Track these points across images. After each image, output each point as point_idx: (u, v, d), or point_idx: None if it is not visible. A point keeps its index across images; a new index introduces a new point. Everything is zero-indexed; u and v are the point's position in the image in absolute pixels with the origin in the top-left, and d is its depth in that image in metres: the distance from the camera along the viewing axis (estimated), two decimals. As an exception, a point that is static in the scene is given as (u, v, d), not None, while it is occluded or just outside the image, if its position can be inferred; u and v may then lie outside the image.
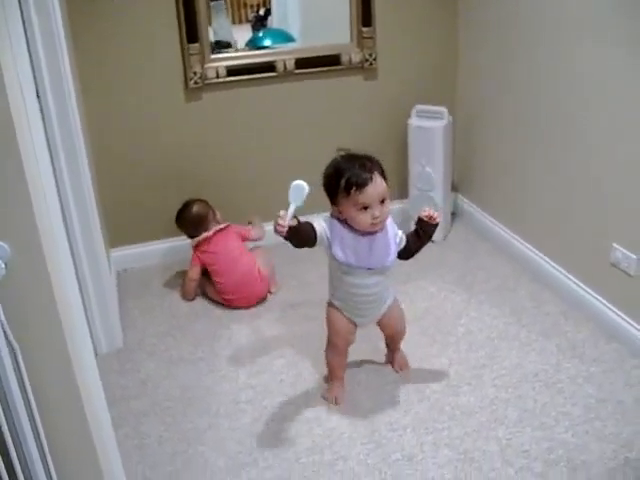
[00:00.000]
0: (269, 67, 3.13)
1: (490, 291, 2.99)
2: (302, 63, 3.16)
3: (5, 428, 1.21)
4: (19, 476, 1.27)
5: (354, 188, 2.00)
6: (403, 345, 2.50)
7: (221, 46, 3.20)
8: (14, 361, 1.24)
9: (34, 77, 2.18)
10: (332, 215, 2.12)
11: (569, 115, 2.69)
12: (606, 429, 2.18)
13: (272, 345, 2.70)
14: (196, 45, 2.97)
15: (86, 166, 2.50)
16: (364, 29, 3.17)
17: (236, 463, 2.13)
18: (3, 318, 1.19)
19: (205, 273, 3.02)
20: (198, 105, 3.13)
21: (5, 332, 1.20)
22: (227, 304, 2.96)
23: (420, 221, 2.18)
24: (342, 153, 2.10)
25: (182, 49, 2.99)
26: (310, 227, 2.07)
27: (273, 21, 3.38)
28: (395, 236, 2.16)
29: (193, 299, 3.05)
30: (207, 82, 3.06)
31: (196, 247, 3.01)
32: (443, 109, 3.19)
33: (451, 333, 2.71)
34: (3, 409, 1.21)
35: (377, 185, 2.02)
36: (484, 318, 2.80)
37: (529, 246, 3.10)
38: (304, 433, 2.22)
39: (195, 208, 3.02)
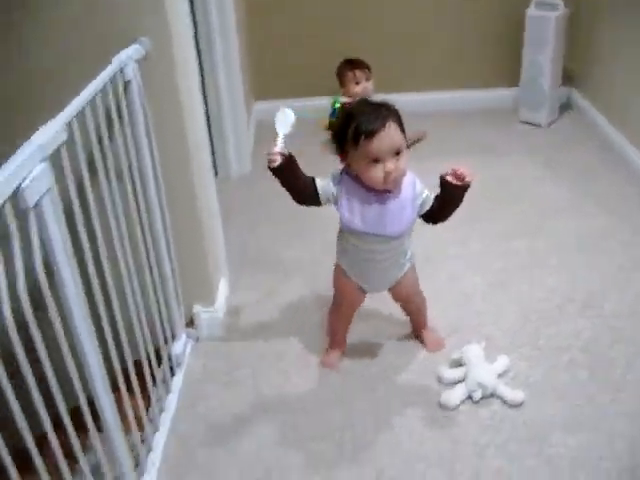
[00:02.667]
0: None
1: (572, 173, 3.30)
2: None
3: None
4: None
5: (363, 136, 1.69)
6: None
7: None
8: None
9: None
10: (342, 170, 1.86)
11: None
12: (629, 285, 2.51)
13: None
14: None
15: (234, 30, 3.07)
16: None
17: (318, 260, 2.69)
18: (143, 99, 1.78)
19: None
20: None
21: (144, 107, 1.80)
22: None
23: (445, 184, 1.79)
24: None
25: None
26: (310, 179, 1.85)
27: None
28: (415, 198, 1.83)
29: None
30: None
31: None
32: (559, 1, 3.44)
33: (521, 199, 3.09)
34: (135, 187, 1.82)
35: (390, 134, 1.71)
36: (557, 192, 3.14)
37: (630, 145, 3.30)
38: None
39: (340, 65, 3.48)
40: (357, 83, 3.38)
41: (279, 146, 1.79)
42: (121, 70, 1.64)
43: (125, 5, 1.74)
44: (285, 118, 1.84)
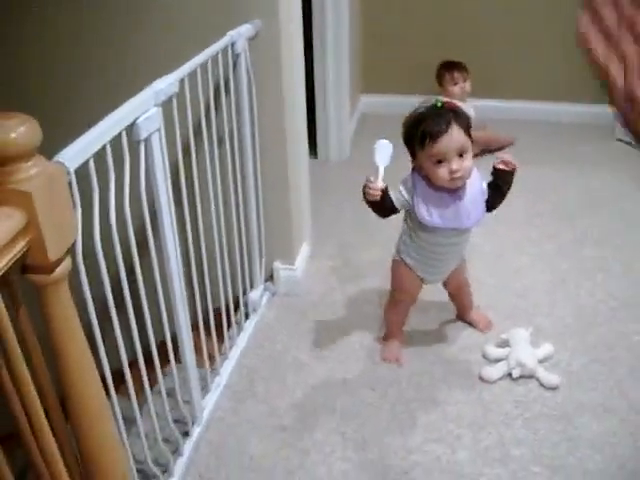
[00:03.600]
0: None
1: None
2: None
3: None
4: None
5: (428, 139, 1.83)
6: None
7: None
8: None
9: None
10: (414, 171, 1.97)
11: None
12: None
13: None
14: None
15: (346, 23, 3.35)
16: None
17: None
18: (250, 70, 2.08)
19: None
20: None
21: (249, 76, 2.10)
22: None
23: (497, 171, 1.97)
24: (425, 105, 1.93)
25: None
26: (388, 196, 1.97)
27: None
28: (483, 192, 1.99)
29: None
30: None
31: None
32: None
33: (601, 210, 3.20)
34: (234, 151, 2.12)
35: (453, 136, 1.83)
36: (625, 203, 3.28)
37: None
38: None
39: (439, 66, 3.69)
40: (455, 84, 3.57)
41: (380, 181, 1.89)
42: (232, 44, 1.94)
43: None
44: (384, 150, 1.92)
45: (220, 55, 1.89)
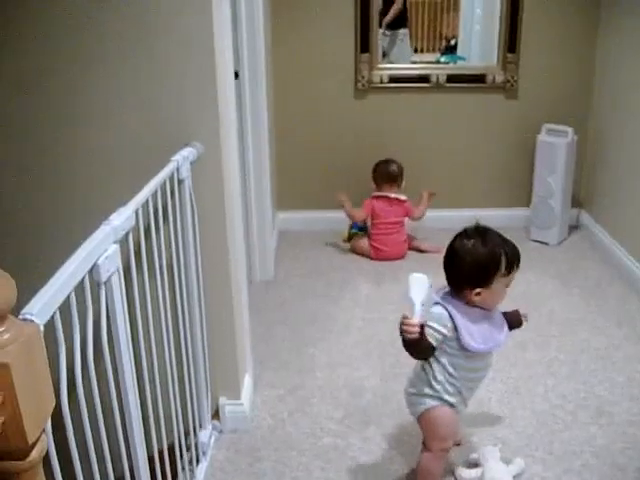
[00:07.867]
0: (424, 79, 3.83)
1: (584, 287, 3.45)
2: (452, 78, 3.83)
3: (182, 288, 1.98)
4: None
5: (515, 265, 1.84)
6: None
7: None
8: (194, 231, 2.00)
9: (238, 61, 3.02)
10: (442, 302, 1.86)
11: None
12: (639, 394, 2.60)
13: (387, 296, 3.34)
14: (367, 55, 3.75)
15: (266, 143, 3.31)
16: (509, 55, 3.77)
17: (336, 361, 2.80)
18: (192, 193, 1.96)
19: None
20: (363, 103, 3.92)
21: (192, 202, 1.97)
22: (373, 252, 3.75)
23: (511, 315, 2.02)
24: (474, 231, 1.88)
25: (355, 57, 3.79)
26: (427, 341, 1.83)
27: (459, 49, 4.20)
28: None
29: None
30: (372, 85, 3.84)
31: (375, 197, 3.76)
32: (569, 129, 3.69)
33: (537, 309, 3.20)
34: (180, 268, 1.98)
35: None
36: (570, 304, 3.28)
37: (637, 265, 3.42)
38: (391, 352, 2.83)
39: (395, 167, 3.77)
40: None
41: (418, 316, 1.77)
42: (177, 170, 1.82)
43: (186, 114, 1.94)
44: (419, 284, 1.80)
45: (167, 182, 1.76)
